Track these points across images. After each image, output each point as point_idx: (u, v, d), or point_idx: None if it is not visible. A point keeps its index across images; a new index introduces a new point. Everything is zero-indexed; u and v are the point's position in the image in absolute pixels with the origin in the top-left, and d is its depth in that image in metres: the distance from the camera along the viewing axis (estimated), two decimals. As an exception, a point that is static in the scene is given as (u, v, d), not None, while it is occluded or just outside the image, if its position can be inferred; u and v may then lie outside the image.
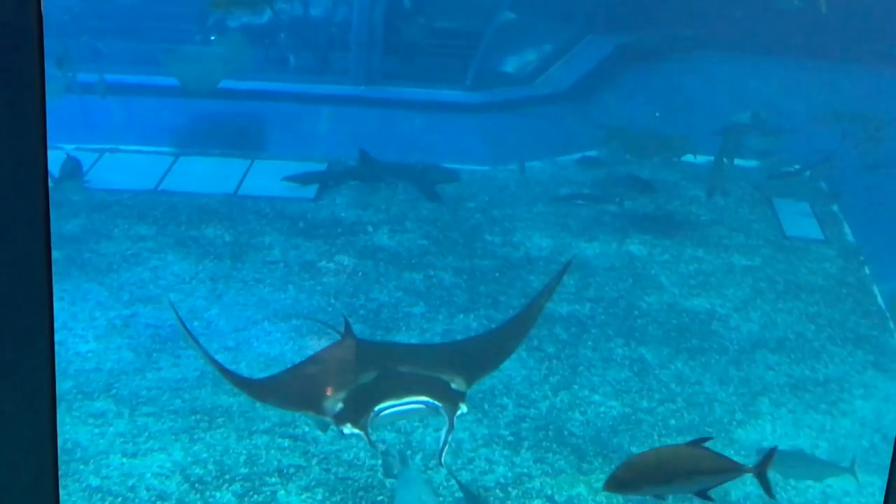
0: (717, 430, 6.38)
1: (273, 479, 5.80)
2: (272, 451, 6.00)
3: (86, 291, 7.55)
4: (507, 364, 5.95)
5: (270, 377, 5.73)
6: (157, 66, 10.12)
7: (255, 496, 5.68)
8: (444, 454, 4.73)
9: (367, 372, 4.91)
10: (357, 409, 4.72)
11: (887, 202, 9.10)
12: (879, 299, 8.03)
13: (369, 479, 5.83)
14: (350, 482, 5.81)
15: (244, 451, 6.00)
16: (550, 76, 11.00)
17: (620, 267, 8.28)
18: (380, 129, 10.14)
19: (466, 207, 9.16)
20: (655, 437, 6.29)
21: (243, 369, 6.73)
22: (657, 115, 10.33)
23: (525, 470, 5.95)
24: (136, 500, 5.63)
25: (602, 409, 6.54)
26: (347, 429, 4.71)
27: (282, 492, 5.72)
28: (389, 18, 10.68)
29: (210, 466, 5.89)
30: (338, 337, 5.50)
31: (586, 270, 8.15)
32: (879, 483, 5.95)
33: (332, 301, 7.55)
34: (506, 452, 6.06)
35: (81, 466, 5.83)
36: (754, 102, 10.13)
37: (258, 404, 6.34)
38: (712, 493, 5.65)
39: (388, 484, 5.77)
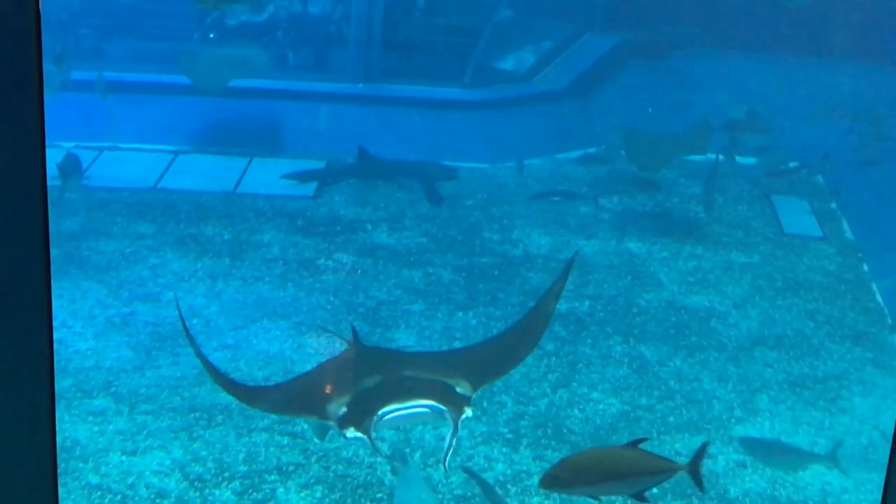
0: (716, 427, 6.39)
1: (272, 477, 5.81)
2: (271, 449, 6.00)
3: (85, 289, 7.55)
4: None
5: (272, 385, 5.72)
6: (158, 63, 10.14)
7: (255, 494, 5.69)
8: (448, 457, 4.68)
9: (371, 376, 4.87)
10: (361, 413, 4.66)
11: (886, 199, 9.11)
12: (878, 296, 8.03)
13: (368, 477, 5.83)
14: (349, 480, 5.81)
15: (243, 449, 6.00)
16: (549, 74, 11.00)
17: (619, 264, 8.28)
18: (378, 127, 10.14)
19: (465, 205, 9.16)
20: (654, 434, 6.30)
21: (242, 367, 6.74)
22: (650, 110, 10.32)
23: (524, 467, 5.95)
24: (136, 498, 5.63)
25: (601, 406, 6.55)
26: (351, 433, 4.66)
27: (281, 489, 5.73)
28: (388, 16, 10.68)
29: (209, 464, 5.89)
30: (345, 345, 5.50)
31: (585, 268, 8.15)
32: (878, 480, 5.95)
33: (332, 299, 7.56)
34: (505, 450, 6.07)
35: (81, 464, 5.84)
36: (753, 99, 10.12)
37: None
38: (727, 491, 5.66)
39: (386, 481, 5.78)
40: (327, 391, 4.85)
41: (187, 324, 6.16)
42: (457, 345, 7.04)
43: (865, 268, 8.47)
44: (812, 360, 7.16)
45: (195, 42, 10.57)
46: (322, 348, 6.96)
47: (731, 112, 9.84)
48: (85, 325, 7.12)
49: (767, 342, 7.33)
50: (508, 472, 5.91)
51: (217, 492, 5.69)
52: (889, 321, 7.68)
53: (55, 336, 1.94)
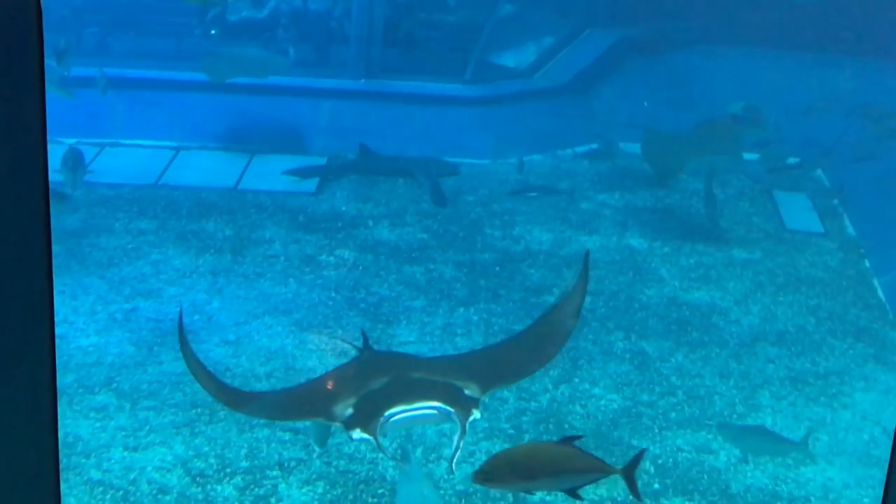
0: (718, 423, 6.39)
1: (274, 473, 5.81)
2: (273, 445, 6.01)
3: (87, 285, 7.56)
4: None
5: (276, 391, 5.70)
6: (158, 60, 10.14)
7: (257, 489, 5.69)
8: (455, 459, 4.66)
9: (378, 378, 4.84)
10: (367, 414, 4.63)
11: (888, 195, 9.10)
12: (880, 292, 8.03)
13: (370, 473, 5.83)
14: (351, 475, 5.82)
15: (245, 445, 6.00)
16: (550, 70, 10.99)
17: (621, 260, 8.28)
18: (379, 123, 10.13)
19: (466, 201, 9.16)
20: (656, 429, 6.30)
21: (244, 363, 6.74)
22: (645, 104, 10.30)
23: (526, 463, 5.95)
24: (138, 494, 5.64)
25: (602, 402, 6.55)
26: (356, 434, 4.63)
27: (283, 485, 5.73)
28: (389, 12, 10.68)
29: (211, 460, 5.89)
30: (351, 346, 5.49)
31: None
32: (879, 476, 5.95)
33: (333, 295, 7.56)
34: (507, 446, 6.06)
35: (83, 460, 5.84)
36: (755, 95, 10.11)
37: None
38: (728, 487, 5.67)
39: (388, 477, 5.78)
40: (334, 392, 4.83)
41: (186, 323, 6.16)
42: (458, 341, 7.05)
43: (867, 264, 8.46)
44: (813, 356, 7.16)
45: (215, 43, 10.54)
46: (324, 345, 6.96)
47: (728, 108, 9.81)
48: (87, 321, 7.13)
49: (769, 338, 7.33)
50: (510, 467, 5.91)
51: (219, 487, 5.70)
52: (891, 317, 7.68)
53: (57, 332, 1.95)
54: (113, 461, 5.85)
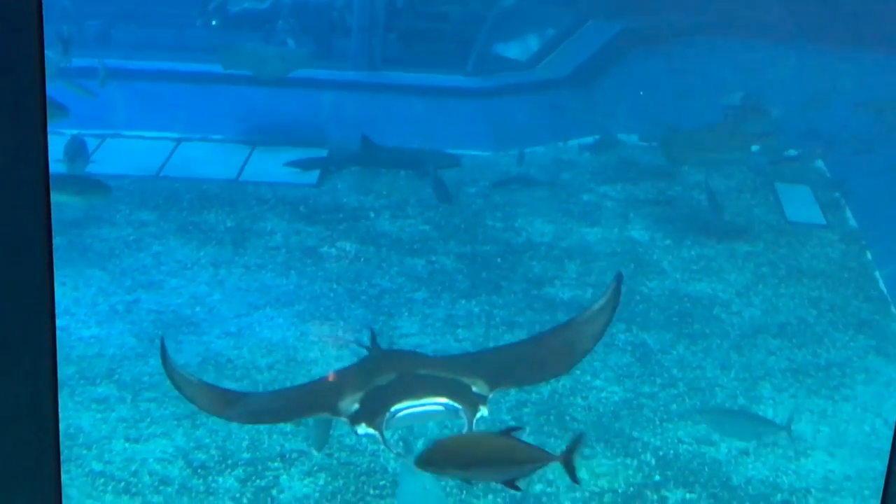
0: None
1: (275, 464, 5.82)
2: (274, 436, 6.01)
3: (88, 277, 7.56)
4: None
5: (277, 390, 5.68)
6: (159, 50, 10.12)
7: (258, 481, 5.70)
8: None
9: (385, 374, 4.83)
10: (373, 410, 4.63)
11: (890, 187, 9.09)
12: (881, 284, 8.02)
13: (371, 465, 5.84)
14: (352, 467, 5.82)
15: (246, 436, 6.01)
16: (552, 61, 10.98)
17: (622, 252, 8.27)
18: (381, 115, 10.12)
19: (468, 193, 9.15)
20: (657, 421, 6.30)
21: (245, 355, 6.75)
22: (641, 93, 10.27)
23: (527, 455, 5.95)
24: (139, 485, 5.64)
25: (604, 394, 6.55)
26: (362, 429, 4.62)
27: (284, 476, 5.74)
28: (390, 3, 10.66)
29: (212, 451, 5.90)
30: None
31: (588, 256, 8.15)
32: (880, 467, 5.95)
33: (335, 286, 7.56)
34: (507, 437, 6.07)
35: (84, 451, 5.85)
36: (757, 86, 10.08)
37: (261, 389, 6.36)
38: (729, 479, 5.67)
39: (390, 469, 5.79)
40: (340, 388, 4.81)
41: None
42: (460, 333, 7.06)
43: (869, 256, 8.46)
44: (815, 348, 7.15)
45: (237, 37, 10.50)
46: (325, 337, 6.96)
47: (727, 99, 9.76)
48: (88, 313, 7.13)
49: (770, 330, 7.33)
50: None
51: (220, 479, 5.70)
52: (892, 309, 7.68)
53: (58, 323, 1.94)
54: (114, 453, 5.85)
